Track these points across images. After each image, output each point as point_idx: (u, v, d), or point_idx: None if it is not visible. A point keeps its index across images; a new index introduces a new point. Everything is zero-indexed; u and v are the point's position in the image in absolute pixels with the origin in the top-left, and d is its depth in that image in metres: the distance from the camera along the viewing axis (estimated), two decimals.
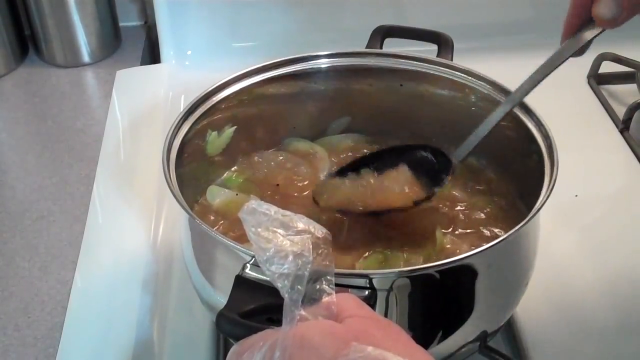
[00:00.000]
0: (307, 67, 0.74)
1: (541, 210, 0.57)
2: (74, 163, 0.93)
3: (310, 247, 0.45)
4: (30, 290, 0.75)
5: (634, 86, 0.98)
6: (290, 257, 0.44)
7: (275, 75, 0.73)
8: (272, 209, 0.46)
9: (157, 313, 0.71)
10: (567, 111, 0.94)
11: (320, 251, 0.45)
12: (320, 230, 0.46)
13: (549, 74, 0.62)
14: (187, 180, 0.66)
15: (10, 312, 0.73)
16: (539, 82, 0.63)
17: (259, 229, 0.45)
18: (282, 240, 0.45)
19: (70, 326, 0.70)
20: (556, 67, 0.62)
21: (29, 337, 0.70)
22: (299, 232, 0.46)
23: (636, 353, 0.67)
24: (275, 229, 0.45)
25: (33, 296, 0.75)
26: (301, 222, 0.46)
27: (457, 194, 0.71)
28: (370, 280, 0.51)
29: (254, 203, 0.47)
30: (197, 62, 1.08)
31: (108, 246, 0.79)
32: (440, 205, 0.70)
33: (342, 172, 0.69)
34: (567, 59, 0.62)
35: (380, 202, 0.66)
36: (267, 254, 0.44)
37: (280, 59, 0.74)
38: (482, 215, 0.69)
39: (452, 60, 0.76)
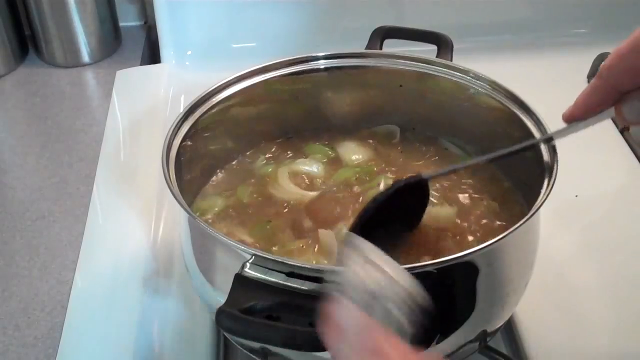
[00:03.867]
0: (307, 67, 0.74)
1: (541, 210, 0.57)
2: (74, 163, 0.93)
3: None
4: (30, 290, 0.75)
5: None
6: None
7: (275, 76, 0.73)
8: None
9: (157, 313, 0.71)
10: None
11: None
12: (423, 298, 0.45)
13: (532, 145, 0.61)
14: (187, 180, 0.66)
15: (10, 312, 0.73)
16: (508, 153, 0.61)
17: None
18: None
19: (70, 326, 0.70)
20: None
21: (29, 337, 0.70)
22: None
23: (636, 353, 0.67)
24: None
25: (33, 296, 0.75)
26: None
27: (456, 193, 0.71)
28: None
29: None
30: (197, 62, 1.08)
31: (108, 246, 0.79)
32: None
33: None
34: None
35: None
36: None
37: (280, 59, 0.74)
38: (482, 215, 0.69)
39: (451, 60, 0.76)
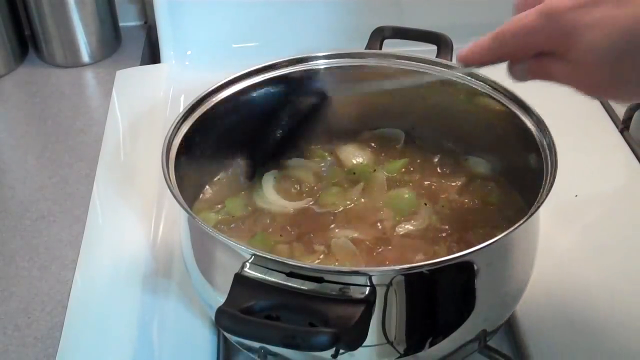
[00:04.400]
0: (307, 67, 0.74)
1: (541, 210, 0.57)
2: (74, 163, 0.93)
3: None
4: (30, 290, 0.75)
5: None
6: None
7: (275, 76, 0.73)
8: None
9: (157, 313, 0.71)
10: (566, 111, 0.94)
11: None
12: None
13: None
14: (187, 179, 0.66)
15: (10, 312, 0.73)
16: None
17: None
18: None
19: (70, 326, 0.70)
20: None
21: (29, 337, 0.70)
22: None
23: (636, 353, 0.67)
24: None
25: (33, 296, 0.75)
26: None
27: (456, 193, 0.72)
28: (370, 277, 0.51)
29: None
30: (197, 62, 1.08)
31: (108, 246, 0.79)
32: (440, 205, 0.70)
33: None
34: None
35: None
36: None
37: (280, 59, 0.74)
38: (481, 215, 0.69)
39: (451, 60, 0.76)
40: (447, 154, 0.76)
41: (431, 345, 0.57)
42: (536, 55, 0.52)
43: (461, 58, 0.56)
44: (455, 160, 0.75)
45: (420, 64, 0.73)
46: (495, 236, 0.54)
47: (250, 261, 0.53)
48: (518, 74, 0.55)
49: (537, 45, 0.51)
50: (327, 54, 0.75)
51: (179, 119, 0.66)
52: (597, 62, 0.48)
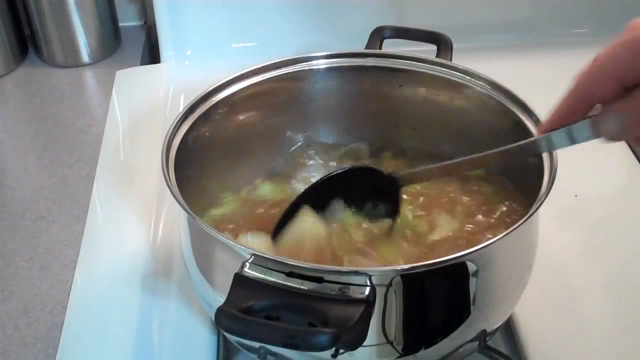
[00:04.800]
0: (307, 67, 0.74)
1: (541, 210, 0.57)
2: (74, 163, 0.93)
3: None
4: (30, 290, 0.75)
5: None
6: None
7: (275, 76, 0.73)
8: None
9: (157, 313, 0.71)
10: None
11: None
12: None
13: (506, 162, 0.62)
14: (187, 180, 0.66)
15: (10, 312, 0.73)
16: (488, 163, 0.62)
17: None
18: None
19: (70, 326, 0.70)
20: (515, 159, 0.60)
21: (29, 337, 0.70)
22: None
23: (636, 353, 0.67)
24: None
25: (33, 296, 0.75)
26: None
27: (456, 193, 0.71)
28: (370, 277, 0.51)
29: None
30: (197, 62, 1.08)
31: (108, 246, 0.79)
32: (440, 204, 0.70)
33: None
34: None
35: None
36: None
37: (280, 59, 0.74)
38: (481, 214, 0.69)
39: (451, 60, 0.76)
40: (446, 153, 0.76)
41: (431, 345, 0.57)
42: (628, 93, 0.44)
43: (544, 127, 0.51)
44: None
45: (420, 63, 0.73)
46: (495, 236, 0.54)
47: (250, 261, 0.53)
48: (611, 127, 0.47)
49: (626, 71, 0.44)
50: (327, 54, 0.75)
51: (179, 119, 0.66)
52: None
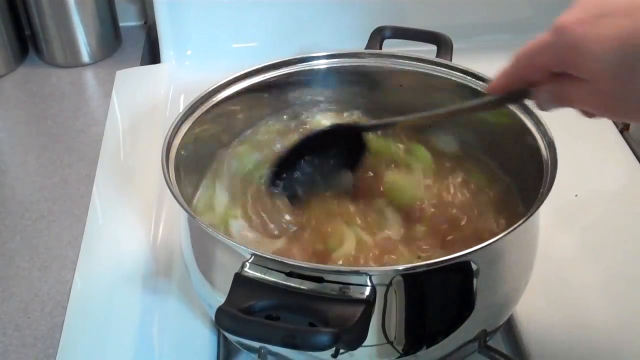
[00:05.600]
0: (307, 67, 0.75)
1: (541, 210, 0.57)
2: (74, 163, 0.93)
3: None
4: (30, 290, 0.75)
5: None
6: None
7: (275, 76, 0.73)
8: None
9: (157, 313, 0.71)
10: (566, 110, 0.94)
11: None
12: None
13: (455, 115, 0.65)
14: (187, 180, 0.66)
15: (10, 312, 0.73)
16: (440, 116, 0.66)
17: None
18: None
19: (70, 326, 0.70)
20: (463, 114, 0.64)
21: (29, 337, 0.70)
22: None
23: (636, 353, 0.67)
24: None
25: (33, 296, 0.75)
26: None
27: (456, 193, 0.71)
28: (370, 277, 0.51)
29: None
30: (197, 62, 1.08)
31: (108, 246, 0.79)
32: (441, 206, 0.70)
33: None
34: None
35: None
36: None
37: (280, 59, 0.74)
38: (481, 215, 0.69)
39: (451, 60, 0.76)
40: (445, 154, 0.76)
41: (431, 345, 0.57)
42: (555, 77, 0.51)
43: (488, 89, 0.57)
44: (454, 160, 0.75)
45: (420, 63, 0.73)
46: (495, 236, 0.54)
47: (250, 261, 0.53)
48: (542, 102, 0.54)
49: (549, 62, 0.50)
50: (327, 54, 0.75)
51: (179, 119, 0.66)
52: (608, 77, 0.46)
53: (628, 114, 0.50)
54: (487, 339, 0.62)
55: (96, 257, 0.77)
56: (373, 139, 0.72)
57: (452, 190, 0.72)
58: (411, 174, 0.71)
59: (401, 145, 0.74)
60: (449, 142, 0.75)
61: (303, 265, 0.52)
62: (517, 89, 0.55)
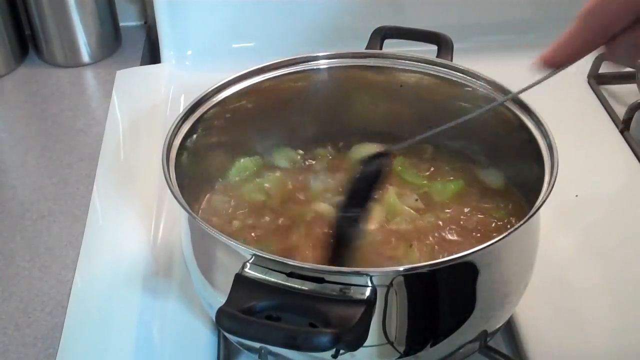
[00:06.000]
0: (307, 67, 0.74)
1: (541, 210, 0.57)
2: (74, 163, 0.93)
3: None
4: (30, 290, 0.75)
5: (634, 86, 0.98)
6: None
7: (275, 76, 0.73)
8: None
9: (157, 313, 0.71)
10: (567, 111, 0.94)
11: None
12: None
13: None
14: (187, 180, 0.66)
15: (10, 312, 0.73)
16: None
17: None
18: None
19: (70, 326, 0.70)
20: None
21: (29, 337, 0.70)
22: None
23: (636, 353, 0.67)
24: None
25: (33, 296, 0.75)
26: None
27: (455, 193, 0.72)
28: (371, 278, 0.51)
29: None
30: (197, 62, 1.08)
31: (108, 246, 0.79)
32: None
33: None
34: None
35: None
36: None
37: (280, 59, 0.74)
38: (482, 215, 0.69)
39: (451, 60, 0.76)
40: (445, 153, 0.76)
41: (432, 345, 0.57)
42: (632, 25, 0.46)
43: (547, 61, 0.51)
44: (453, 161, 0.75)
45: (420, 64, 0.73)
46: (495, 237, 0.54)
47: (250, 261, 0.53)
48: (624, 55, 0.48)
49: (627, 7, 0.45)
50: (327, 54, 0.75)
51: (179, 119, 0.66)
52: None
53: None
54: (488, 339, 0.62)
55: (96, 257, 0.77)
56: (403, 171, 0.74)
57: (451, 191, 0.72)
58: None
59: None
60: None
61: (304, 265, 0.52)
62: (585, 53, 0.49)
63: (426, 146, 0.76)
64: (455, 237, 0.67)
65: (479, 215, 0.69)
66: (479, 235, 0.67)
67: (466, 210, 0.70)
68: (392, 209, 0.69)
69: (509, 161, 0.71)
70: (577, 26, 0.48)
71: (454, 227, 0.68)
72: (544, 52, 0.50)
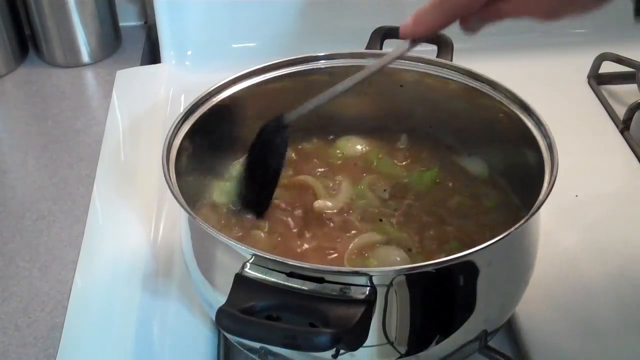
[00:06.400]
0: (307, 67, 0.74)
1: (541, 210, 0.57)
2: (74, 163, 0.93)
3: None
4: (30, 290, 0.75)
5: (634, 86, 0.98)
6: None
7: (275, 76, 0.73)
8: None
9: (157, 313, 0.71)
10: (567, 111, 0.94)
11: None
12: None
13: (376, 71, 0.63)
14: (187, 179, 0.66)
15: (10, 312, 0.73)
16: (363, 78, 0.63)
17: None
18: None
19: (70, 326, 0.70)
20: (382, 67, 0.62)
21: (29, 337, 0.70)
22: None
23: (637, 353, 0.67)
24: None
25: (33, 296, 0.75)
26: None
27: (456, 193, 0.72)
28: (371, 278, 0.51)
29: None
30: (197, 62, 1.08)
31: (108, 246, 0.79)
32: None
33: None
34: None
35: None
36: None
37: (280, 59, 0.74)
38: (481, 215, 0.69)
39: (451, 60, 0.76)
40: (445, 154, 0.76)
41: (432, 345, 0.57)
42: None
43: (407, 32, 0.55)
44: (454, 161, 0.75)
45: (421, 64, 0.73)
46: (496, 237, 0.54)
47: (250, 261, 0.53)
48: (472, 26, 0.54)
49: None
50: (327, 54, 0.75)
51: (179, 119, 0.66)
52: None
53: (566, 13, 0.53)
54: (488, 339, 0.62)
55: (96, 257, 0.77)
56: (381, 163, 0.75)
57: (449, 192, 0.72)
58: None
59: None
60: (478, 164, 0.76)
61: (304, 265, 0.52)
62: (443, 26, 0.54)
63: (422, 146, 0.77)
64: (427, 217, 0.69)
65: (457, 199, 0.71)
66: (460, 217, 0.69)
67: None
68: (361, 194, 0.71)
69: (509, 161, 0.71)
70: (430, 8, 0.53)
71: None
72: (403, 25, 0.55)
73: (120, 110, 1.00)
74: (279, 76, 0.74)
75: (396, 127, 0.78)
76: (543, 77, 1.00)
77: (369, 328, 0.51)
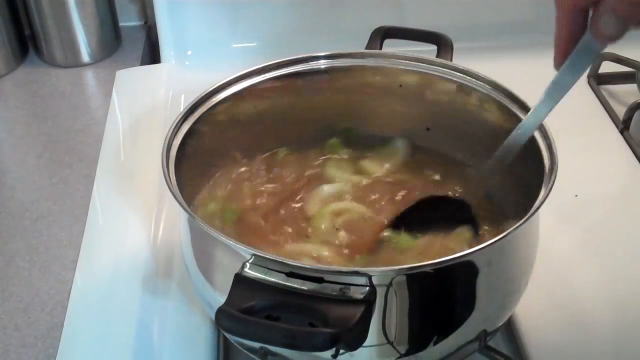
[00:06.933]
0: (307, 67, 0.75)
1: (541, 210, 0.57)
2: (74, 163, 0.93)
3: None
4: (30, 290, 0.75)
5: (634, 86, 0.98)
6: None
7: (275, 76, 0.73)
8: None
9: (157, 313, 0.71)
10: (567, 111, 0.94)
11: None
12: None
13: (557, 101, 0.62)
14: (187, 180, 0.66)
15: (10, 312, 0.73)
16: (550, 109, 0.62)
17: None
18: None
19: (70, 326, 0.70)
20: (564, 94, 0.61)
21: (29, 337, 0.70)
22: None
23: (636, 353, 0.67)
24: None
25: (33, 296, 0.75)
26: None
27: (456, 193, 0.72)
28: (370, 278, 0.51)
29: None
30: (197, 62, 1.08)
31: (108, 246, 0.79)
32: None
33: None
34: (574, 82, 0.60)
35: None
36: None
37: (280, 59, 0.74)
38: (482, 215, 0.69)
39: (451, 60, 0.76)
40: (445, 154, 0.76)
41: (431, 345, 0.57)
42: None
43: (556, 63, 0.55)
44: (454, 161, 0.75)
45: (420, 64, 0.73)
46: (495, 236, 0.54)
47: (250, 261, 0.53)
48: (608, 22, 0.49)
49: None
50: (327, 54, 0.75)
51: (179, 119, 0.66)
52: None
53: None
54: (488, 339, 0.62)
55: (96, 257, 0.77)
56: None
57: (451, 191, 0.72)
58: None
59: None
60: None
61: (303, 265, 0.53)
62: (579, 34, 0.51)
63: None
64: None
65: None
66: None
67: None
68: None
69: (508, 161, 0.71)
70: (559, 18, 0.51)
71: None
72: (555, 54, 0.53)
73: (120, 110, 1.00)
74: (279, 76, 0.74)
75: (394, 127, 0.78)
76: (543, 77, 1.00)
77: (369, 328, 0.51)
